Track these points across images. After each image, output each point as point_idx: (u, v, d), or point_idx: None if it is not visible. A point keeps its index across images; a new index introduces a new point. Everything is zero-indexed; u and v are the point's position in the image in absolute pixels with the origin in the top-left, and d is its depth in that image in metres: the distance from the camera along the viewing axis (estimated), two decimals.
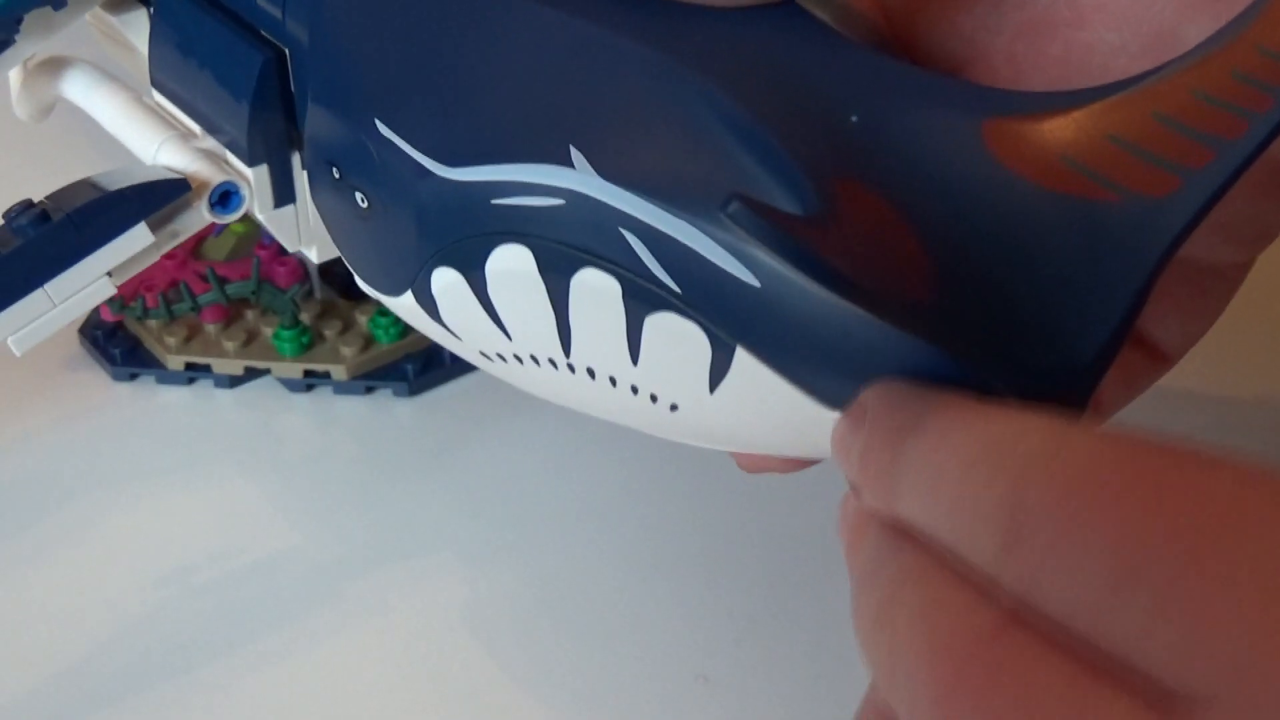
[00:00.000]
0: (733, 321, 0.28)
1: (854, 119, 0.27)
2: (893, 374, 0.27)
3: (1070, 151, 0.26)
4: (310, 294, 0.47)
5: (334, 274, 0.46)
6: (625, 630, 0.39)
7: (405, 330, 0.45)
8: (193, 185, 0.34)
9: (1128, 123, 0.26)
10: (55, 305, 0.33)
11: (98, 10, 0.38)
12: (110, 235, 0.33)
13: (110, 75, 0.38)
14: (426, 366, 0.45)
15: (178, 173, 0.34)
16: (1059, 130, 0.26)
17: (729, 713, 0.37)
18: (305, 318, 0.45)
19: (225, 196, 0.34)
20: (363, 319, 0.46)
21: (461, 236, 0.30)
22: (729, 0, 0.28)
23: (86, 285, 0.33)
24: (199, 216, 0.34)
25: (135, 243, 0.33)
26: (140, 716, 0.37)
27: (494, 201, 0.29)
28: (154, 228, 0.33)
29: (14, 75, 0.40)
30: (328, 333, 0.45)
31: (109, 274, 0.33)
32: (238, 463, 0.44)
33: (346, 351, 0.45)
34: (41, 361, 0.46)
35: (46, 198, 0.33)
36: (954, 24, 0.30)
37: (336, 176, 0.32)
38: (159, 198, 0.33)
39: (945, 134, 0.27)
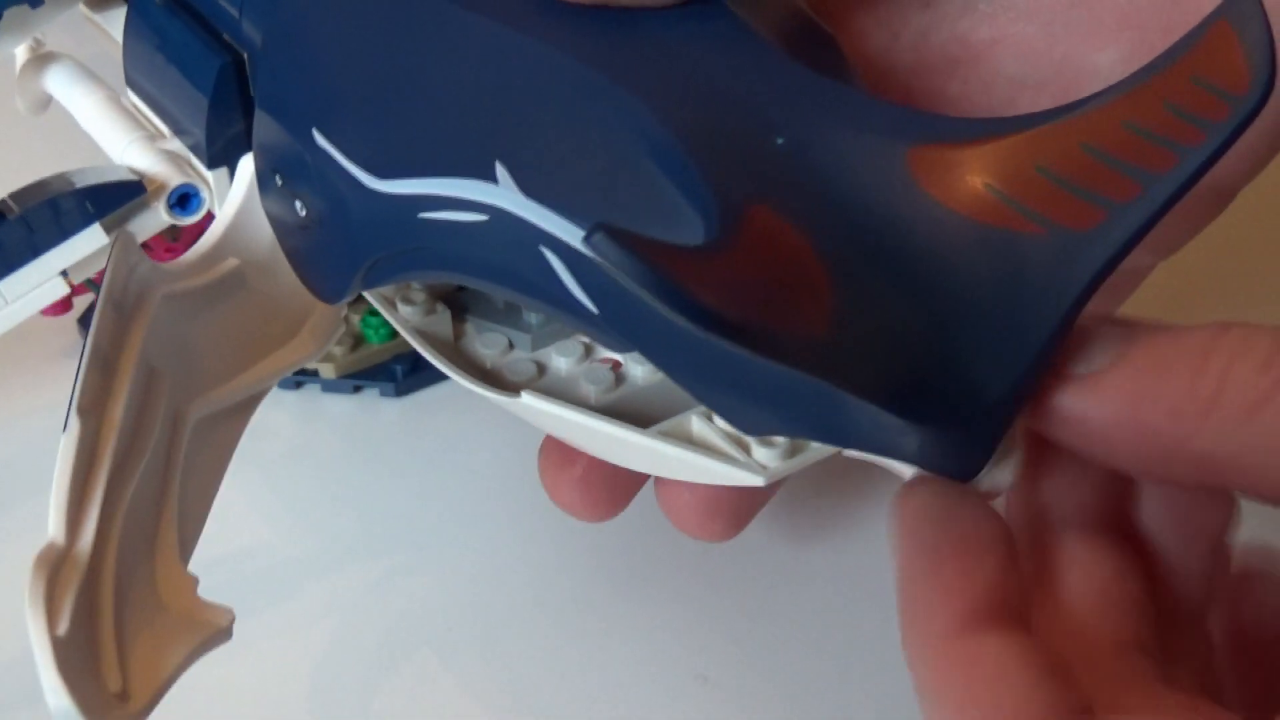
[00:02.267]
0: (647, 345, 0.28)
1: (779, 141, 0.27)
2: (798, 406, 0.26)
3: (996, 181, 0.26)
4: None
5: None
6: (625, 630, 0.39)
7: (395, 331, 0.45)
8: (151, 187, 0.34)
9: (1055, 153, 0.25)
10: (8, 303, 0.33)
11: (83, 9, 0.39)
12: (63, 236, 0.33)
13: (91, 73, 0.38)
14: (415, 367, 0.45)
15: (139, 173, 0.34)
16: (985, 159, 0.26)
17: (729, 713, 0.37)
18: None
19: (185, 198, 0.35)
20: (354, 318, 0.46)
21: (392, 249, 0.30)
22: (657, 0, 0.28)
23: (40, 284, 0.33)
24: (157, 218, 0.34)
25: (89, 243, 0.33)
26: None
27: (421, 215, 0.29)
28: (108, 229, 0.33)
29: (16, 64, 0.40)
30: None
31: (64, 274, 0.33)
32: None
33: (335, 350, 0.45)
34: (39, 351, 0.47)
35: (8, 196, 0.34)
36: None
37: (279, 184, 0.32)
38: (113, 199, 0.33)
39: (870, 158, 0.26)
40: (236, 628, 0.39)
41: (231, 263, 0.32)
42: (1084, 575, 0.25)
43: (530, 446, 0.43)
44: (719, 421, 0.29)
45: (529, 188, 0.28)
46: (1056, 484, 0.26)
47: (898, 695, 0.36)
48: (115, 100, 0.37)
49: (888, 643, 0.37)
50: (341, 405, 0.45)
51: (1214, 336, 0.23)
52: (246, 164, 0.34)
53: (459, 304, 0.34)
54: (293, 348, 0.33)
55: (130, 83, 0.37)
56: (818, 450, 0.29)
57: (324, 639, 0.39)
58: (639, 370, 0.32)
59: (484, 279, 0.29)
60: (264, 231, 0.33)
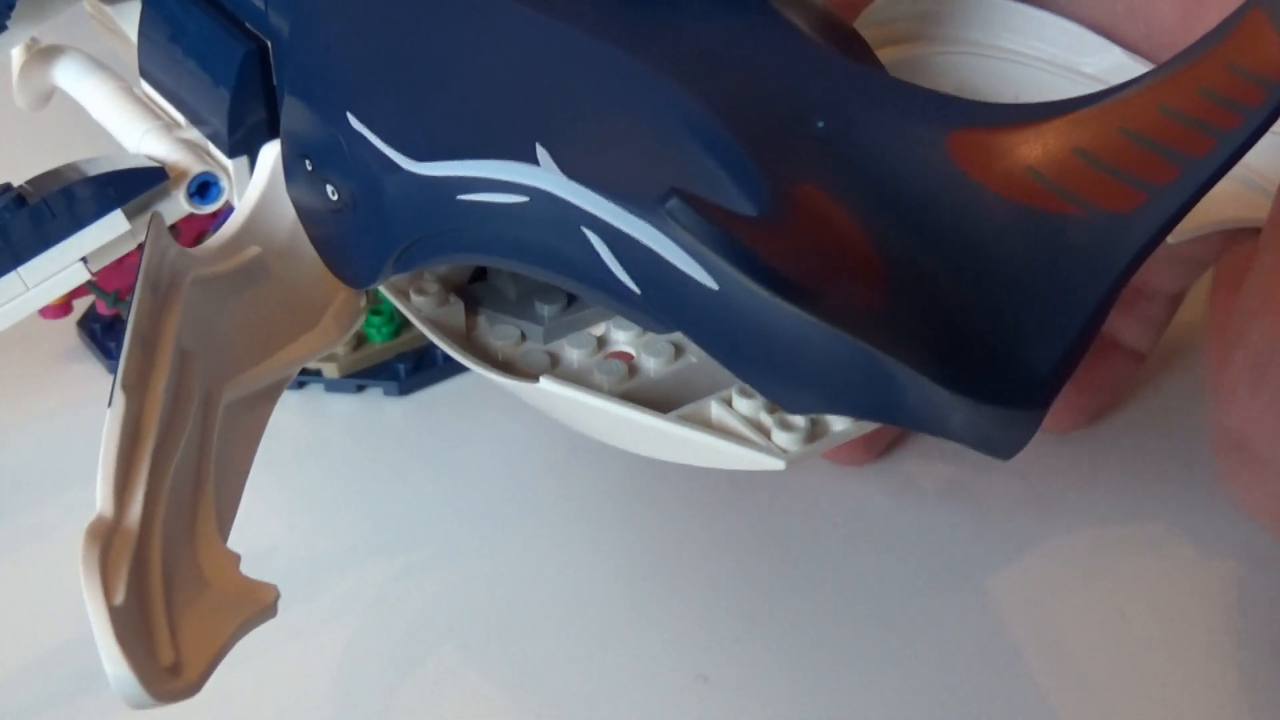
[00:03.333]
0: (691, 324, 0.28)
1: (820, 124, 0.27)
2: (846, 382, 0.27)
3: (1036, 164, 0.26)
4: None
5: None
6: (625, 630, 0.38)
7: (398, 329, 0.45)
8: (171, 174, 0.34)
9: (1094, 137, 0.26)
10: (28, 289, 0.33)
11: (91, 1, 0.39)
12: (85, 221, 0.33)
13: (101, 65, 0.38)
14: (418, 366, 0.45)
15: (158, 161, 0.34)
16: (1025, 143, 0.26)
17: (729, 713, 0.37)
18: None
19: (204, 187, 0.34)
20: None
21: (428, 232, 0.30)
22: None
23: (60, 270, 0.33)
24: (177, 206, 0.34)
25: (110, 230, 0.33)
26: (122, 707, 0.36)
27: (459, 197, 0.29)
28: (130, 215, 0.33)
29: (14, 63, 0.40)
30: None
31: (84, 260, 0.33)
32: None
33: (339, 349, 0.45)
34: (40, 353, 0.47)
35: (27, 182, 0.34)
36: None
37: (309, 169, 0.32)
38: (135, 185, 0.33)
39: (910, 143, 0.27)
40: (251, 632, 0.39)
41: (254, 250, 0.32)
42: None
43: (535, 443, 0.44)
44: (738, 406, 0.29)
45: (571, 169, 0.28)
46: None
47: (898, 695, 0.37)
48: (128, 90, 0.37)
49: (888, 642, 0.38)
50: (345, 405, 0.45)
51: None
52: (268, 152, 0.34)
53: (471, 296, 0.34)
54: (315, 335, 0.33)
55: (144, 74, 0.37)
56: (836, 435, 0.29)
57: (336, 639, 0.38)
58: (651, 362, 0.32)
59: (523, 261, 0.29)
60: (285, 220, 0.33)
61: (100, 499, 0.26)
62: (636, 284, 0.28)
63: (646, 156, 0.27)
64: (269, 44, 0.33)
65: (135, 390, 0.27)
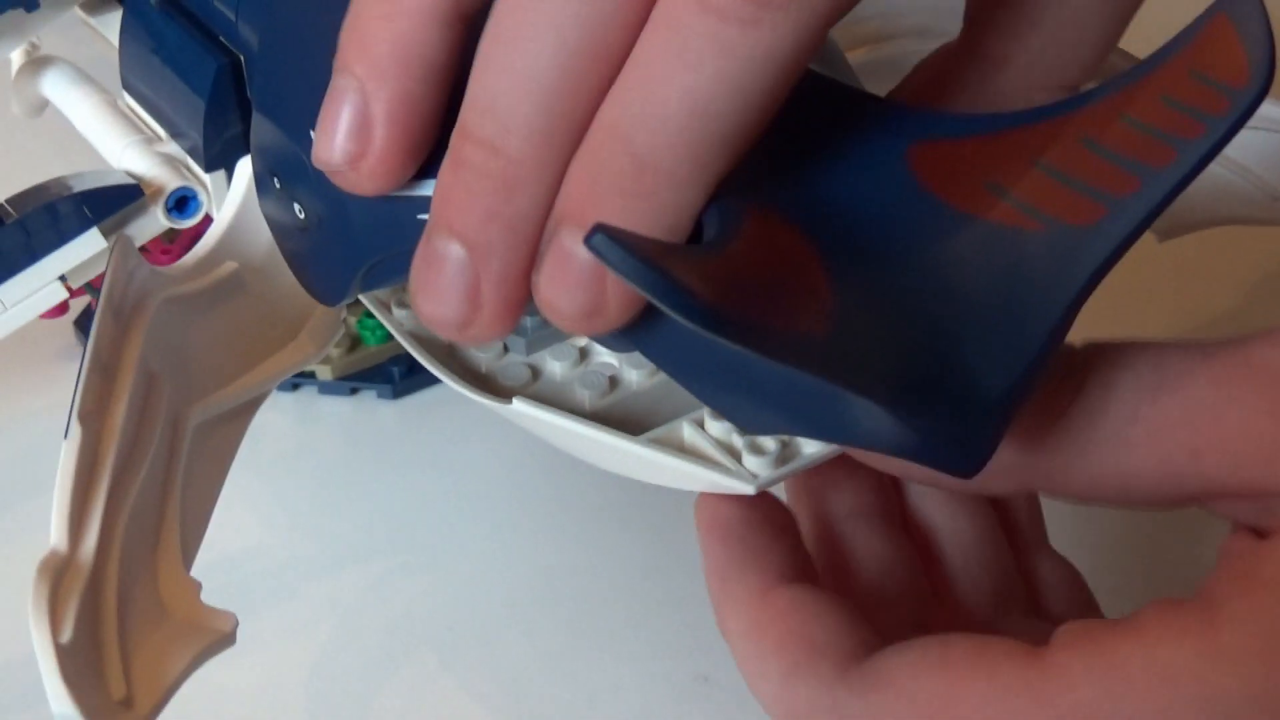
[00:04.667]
0: (646, 346, 0.27)
1: (777, 139, 0.27)
2: (799, 405, 0.26)
3: (996, 177, 0.26)
4: None
5: None
6: (625, 630, 0.39)
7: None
8: (149, 190, 0.34)
9: (1055, 149, 0.25)
10: (6, 309, 0.33)
11: (79, 12, 0.39)
12: (61, 240, 0.33)
13: (87, 77, 0.38)
14: (412, 369, 0.45)
15: (137, 177, 0.34)
16: (985, 155, 0.26)
17: (729, 713, 0.37)
18: None
19: (183, 201, 0.34)
20: (351, 320, 0.46)
21: (391, 251, 0.30)
22: None
23: (38, 289, 0.33)
24: (155, 221, 0.34)
25: (88, 248, 0.33)
26: None
27: (419, 216, 0.29)
28: (107, 233, 0.33)
29: (13, 69, 0.40)
30: None
31: (62, 278, 0.33)
32: None
33: (332, 352, 0.45)
34: (37, 352, 0.47)
35: (5, 201, 0.34)
36: None
37: (277, 186, 0.32)
38: (111, 203, 0.33)
39: (869, 155, 0.26)
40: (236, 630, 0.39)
41: (230, 266, 0.32)
42: (866, 550, 0.30)
43: (527, 447, 0.44)
44: (710, 428, 0.29)
45: None
46: (838, 484, 0.31)
47: None
48: (112, 104, 0.37)
49: None
50: (339, 407, 0.45)
51: None
52: (244, 167, 0.33)
53: None
54: (292, 350, 0.33)
55: (126, 86, 0.37)
56: (807, 458, 0.29)
57: (323, 640, 0.39)
58: (634, 374, 0.32)
59: None
60: (262, 235, 0.33)
61: (54, 533, 0.26)
62: None
63: None
64: (242, 58, 0.33)
65: (93, 419, 0.27)
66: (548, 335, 0.33)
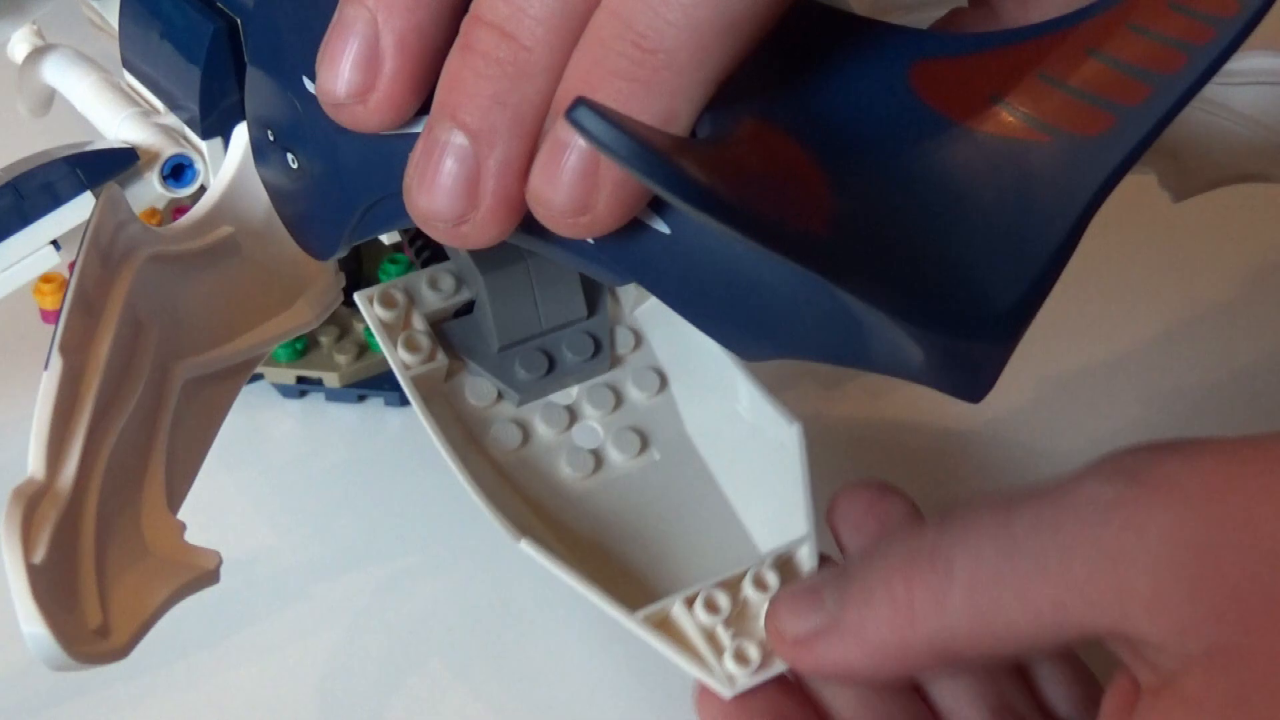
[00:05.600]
0: (646, 273, 0.27)
1: (774, 56, 0.26)
2: (804, 323, 0.25)
3: (1001, 92, 0.25)
4: None
5: None
6: (625, 634, 0.37)
7: None
8: (144, 157, 0.33)
9: (1061, 60, 0.25)
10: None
11: None
12: (54, 204, 0.32)
13: (86, 58, 0.38)
14: None
15: (133, 145, 0.33)
16: (989, 70, 0.25)
17: None
18: None
19: (179, 170, 0.34)
20: (359, 326, 0.45)
21: (384, 193, 0.29)
22: None
23: (31, 253, 0.33)
24: (150, 189, 0.34)
25: (80, 212, 0.33)
26: (121, 709, 0.36)
27: None
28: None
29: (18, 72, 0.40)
30: (323, 339, 0.44)
31: (55, 244, 0.33)
32: (225, 464, 0.43)
33: (341, 359, 0.44)
34: (39, 354, 0.46)
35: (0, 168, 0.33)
36: None
37: (271, 139, 0.31)
38: (105, 167, 0.33)
39: (870, 74, 0.26)
40: (244, 634, 0.38)
41: (225, 230, 0.32)
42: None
43: None
44: (699, 614, 0.30)
45: None
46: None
47: None
48: (111, 81, 0.36)
49: None
50: (346, 414, 0.45)
51: (897, 570, 0.28)
52: (241, 132, 0.33)
53: (457, 340, 0.34)
54: (288, 316, 0.32)
55: (126, 64, 0.36)
56: (780, 665, 0.29)
57: (331, 643, 0.38)
58: (618, 457, 0.34)
59: None
60: (259, 201, 0.33)
61: (32, 460, 0.25)
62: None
63: None
64: (239, 22, 0.32)
65: (75, 354, 0.26)
66: (542, 387, 0.34)
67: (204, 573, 0.26)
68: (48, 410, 0.25)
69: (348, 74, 0.26)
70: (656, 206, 0.25)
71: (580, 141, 0.23)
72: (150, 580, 0.25)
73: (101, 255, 0.28)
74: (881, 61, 0.26)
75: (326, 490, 0.42)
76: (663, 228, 0.26)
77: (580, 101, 0.21)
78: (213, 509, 0.41)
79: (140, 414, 0.27)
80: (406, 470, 0.43)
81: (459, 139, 0.25)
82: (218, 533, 0.39)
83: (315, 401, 0.45)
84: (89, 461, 0.26)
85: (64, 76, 0.37)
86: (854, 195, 0.24)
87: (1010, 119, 0.25)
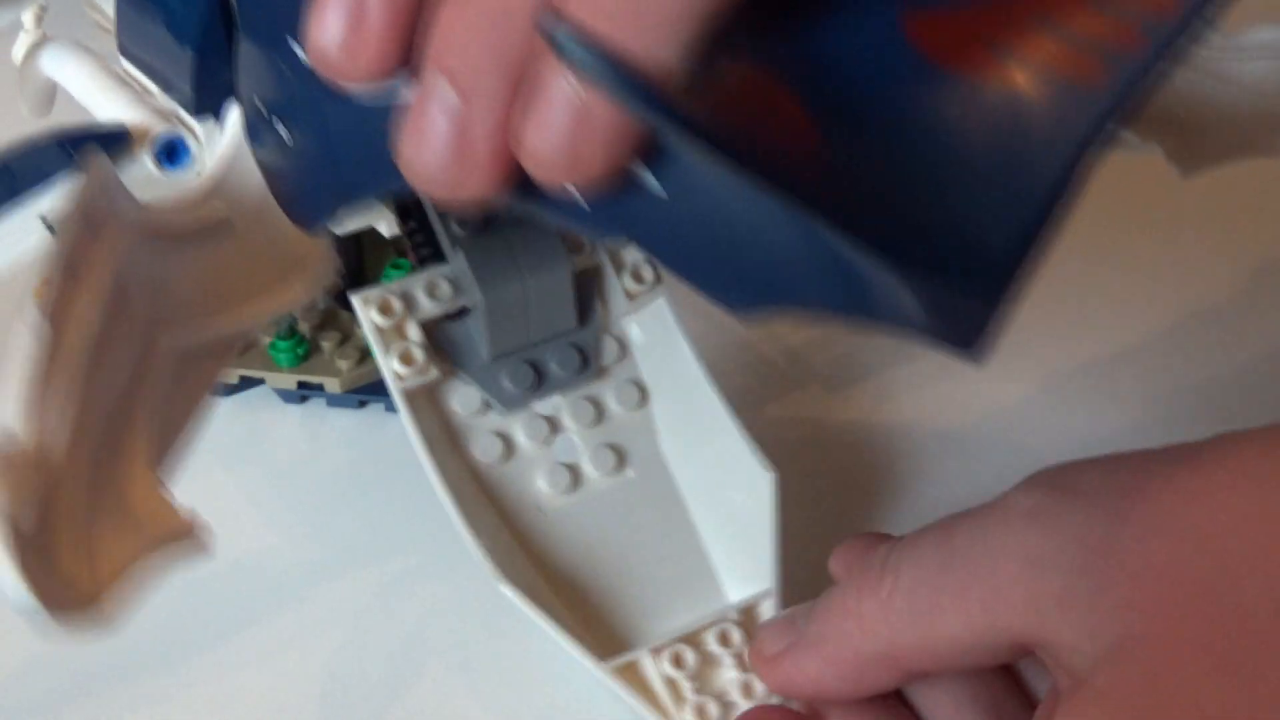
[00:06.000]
0: (639, 230, 0.26)
1: (766, 10, 0.26)
2: (796, 272, 0.25)
3: (996, 38, 0.25)
4: (312, 303, 0.45)
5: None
6: None
7: None
8: (135, 135, 0.33)
9: (1056, 6, 0.24)
10: None
11: None
12: (44, 181, 0.32)
13: (83, 46, 0.38)
14: None
15: (125, 125, 0.33)
16: (983, 17, 0.25)
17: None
18: (303, 327, 0.44)
19: (172, 150, 0.33)
20: (360, 332, 0.44)
21: (374, 158, 0.28)
22: None
23: (19, 230, 0.32)
24: (143, 168, 0.33)
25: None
26: (122, 709, 0.36)
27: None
28: None
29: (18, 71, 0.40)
30: (325, 344, 0.44)
31: (44, 219, 0.32)
32: (227, 467, 0.43)
33: (342, 364, 0.43)
34: None
35: None
36: None
37: (261, 110, 0.31)
38: (95, 143, 0.32)
39: (862, 24, 0.25)
40: (246, 638, 0.38)
41: (218, 207, 0.31)
42: None
43: None
44: (664, 665, 0.33)
45: None
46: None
47: None
48: (107, 67, 0.36)
49: None
50: (347, 419, 0.44)
51: (853, 584, 0.30)
52: (236, 111, 0.32)
53: (450, 344, 0.36)
54: (278, 293, 0.32)
55: (122, 50, 0.36)
56: None
57: (332, 647, 0.38)
58: (595, 474, 0.36)
59: None
60: (253, 179, 0.32)
61: (11, 417, 0.24)
62: (584, 195, 0.26)
63: None
64: None
65: (57, 314, 0.26)
66: (527, 397, 0.36)
67: (193, 541, 0.25)
68: (26, 367, 0.25)
69: (334, 23, 0.26)
70: (648, 159, 0.25)
71: (563, 82, 0.23)
72: (136, 545, 0.25)
73: (87, 219, 0.27)
74: (873, 10, 0.25)
75: (327, 493, 0.42)
76: (653, 181, 0.25)
77: (560, 22, 0.20)
78: (215, 512, 0.40)
79: (123, 377, 0.27)
80: (406, 473, 0.42)
81: (448, 91, 0.24)
82: (219, 535, 0.39)
83: (316, 406, 0.44)
84: (69, 420, 0.25)
85: (62, 67, 0.37)
86: (844, 140, 0.24)
87: (1006, 67, 0.24)
